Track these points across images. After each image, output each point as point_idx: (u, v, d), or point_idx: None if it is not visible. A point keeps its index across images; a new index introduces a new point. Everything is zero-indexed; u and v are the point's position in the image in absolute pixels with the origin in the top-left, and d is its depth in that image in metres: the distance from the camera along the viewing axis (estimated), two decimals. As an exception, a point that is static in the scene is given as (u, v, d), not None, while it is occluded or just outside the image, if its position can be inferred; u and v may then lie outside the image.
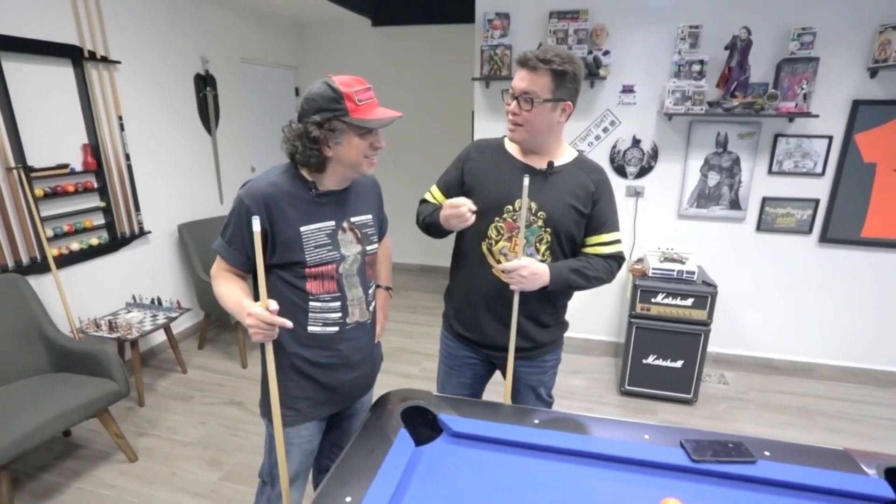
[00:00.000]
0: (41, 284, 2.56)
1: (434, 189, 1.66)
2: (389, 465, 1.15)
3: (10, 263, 2.45)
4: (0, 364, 2.21)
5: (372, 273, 1.48)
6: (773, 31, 2.70)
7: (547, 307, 1.57)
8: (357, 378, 1.49)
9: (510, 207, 1.48)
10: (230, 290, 1.30)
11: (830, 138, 2.81)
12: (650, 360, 2.87)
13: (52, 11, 2.55)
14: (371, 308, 1.48)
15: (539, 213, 1.47)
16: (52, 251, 2.57)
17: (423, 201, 1.68)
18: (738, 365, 3.29)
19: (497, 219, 1.50)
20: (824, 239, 2.97)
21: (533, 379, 1.65)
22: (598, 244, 1.52)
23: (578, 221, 1.49)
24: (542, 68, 1.34)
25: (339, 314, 1.38)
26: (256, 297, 1.32)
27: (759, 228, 3.03)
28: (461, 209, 1.39)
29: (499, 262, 1.50)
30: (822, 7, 2.63)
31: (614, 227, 1.53)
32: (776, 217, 2.99)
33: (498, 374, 1.73)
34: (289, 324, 1.21)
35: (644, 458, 1.18)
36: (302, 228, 1.29)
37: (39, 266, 2.55)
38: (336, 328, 1.38)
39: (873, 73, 2.66)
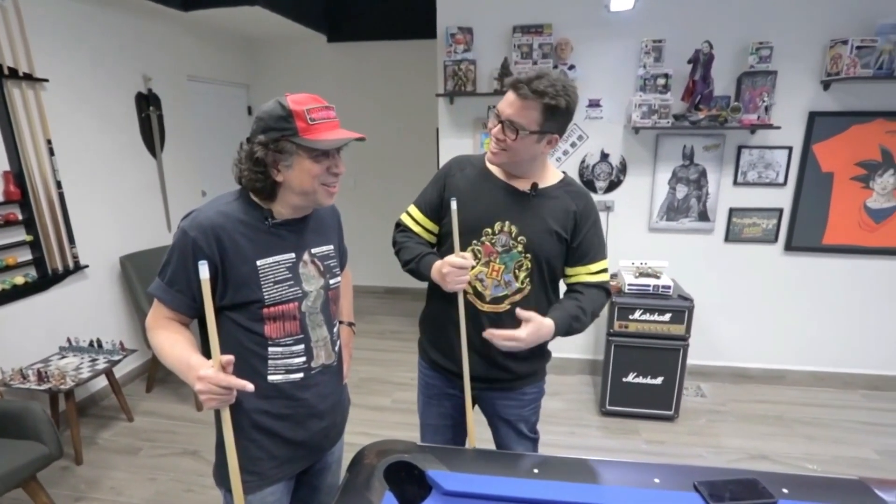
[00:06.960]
0: (-46, 333, 2.23)
1: (413, 210, 1.53)
2: (375, 539, 0.99)
3: (-85, 311, 2.13)
4: None
5: (336, 309, 1.32)
6: (733, 45, 2.74)
7: None
8: (326, 428, 1.32)
9: (489, 230, 1.37)
10: (173, 345, 1.10)
11: (790, 149, 2.87)
12: (630, 378, 2.80)
13: (-36, 25, 2.27)
14: (336, 348, 1.32)
15: (519, 238, 1.36)
16: (-33, 294, 2.26)
17: (402, 226, 1.55)
18: (714, 376, 3.29)
19: (475, 241, 1.39)
20: (789, 247, 3.02)
21: (510, 413, 1.53)
22: (584, 274, 1.42)
23: (559, 249, 1.39)
24: (533, 100, 1.23)
25: (303, 358, 1.21)
26: (206, 351, 1.13)
27: (727, 239, 3.05)
28: (466, 275, 1.29)
29: (475, 288, 1.39)
30: (777, 22, 2.70)
31: (601, 254, 1.43)
32: (743, 227, 3.02)
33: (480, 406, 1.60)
34: (249, 387, 1.01)
35: (660, 508, 1.07)
36: (258, 262, 1.12)
37: (-48, 312, 2.23)
38: (300, 374, 1.21)
39: (826, 85, 2.74)
